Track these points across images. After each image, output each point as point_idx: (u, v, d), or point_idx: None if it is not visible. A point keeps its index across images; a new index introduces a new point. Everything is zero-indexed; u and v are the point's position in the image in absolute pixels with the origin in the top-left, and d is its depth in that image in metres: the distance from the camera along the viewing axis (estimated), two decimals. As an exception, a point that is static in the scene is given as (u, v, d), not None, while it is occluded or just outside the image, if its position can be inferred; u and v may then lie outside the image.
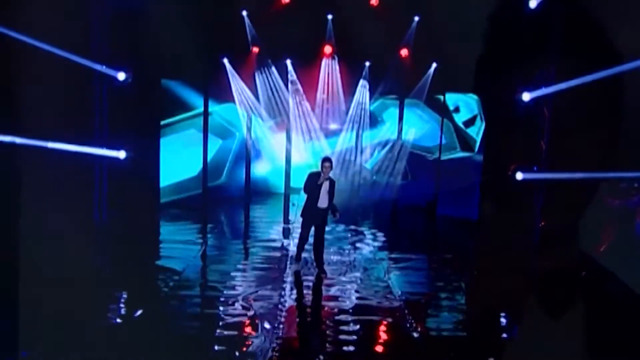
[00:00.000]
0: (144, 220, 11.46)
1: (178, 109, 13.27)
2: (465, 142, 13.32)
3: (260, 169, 15.13)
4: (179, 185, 13.46)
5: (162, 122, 12.90)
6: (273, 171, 15.19)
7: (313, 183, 7.97)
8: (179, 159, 13.30)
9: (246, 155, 14.45)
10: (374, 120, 14.88)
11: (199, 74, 13.08)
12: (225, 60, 13.63)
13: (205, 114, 13.66)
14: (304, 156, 14.63)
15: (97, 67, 9.83)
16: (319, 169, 8.06)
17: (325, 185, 7.98)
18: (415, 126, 14.26)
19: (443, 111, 13.50)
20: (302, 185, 8.18)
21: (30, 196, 8.70)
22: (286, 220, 12.15)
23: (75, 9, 9.58)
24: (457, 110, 13.46)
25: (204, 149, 13.68)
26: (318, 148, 14.58)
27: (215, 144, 14.26)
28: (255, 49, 13.63)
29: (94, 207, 10.32)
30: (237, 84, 13.68)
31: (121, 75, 10.01)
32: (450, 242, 11.47)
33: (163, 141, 12.87)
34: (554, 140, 10.05)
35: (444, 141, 13.62)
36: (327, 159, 8.12)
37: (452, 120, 13.56)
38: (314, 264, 8.51)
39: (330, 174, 8.05)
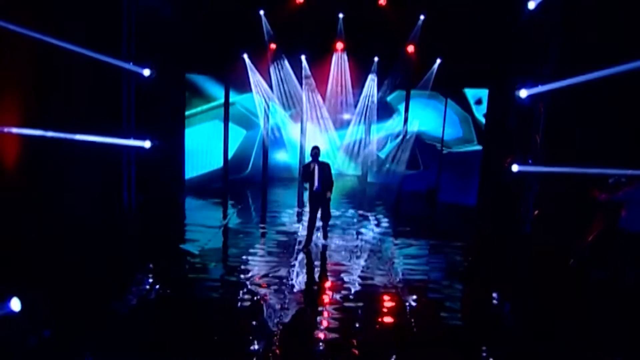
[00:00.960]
0: (170, 204, 11.72)
1: (196, 99, 13.40)
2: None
3: (281, 156, 15.21)
4: (205, 176, 13.76)
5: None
6: (293, 157, 15.31)
7: (307, 170, 8.67)
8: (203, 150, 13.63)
9: (263, 143, 14.54)
10: (390, 111, 14.63)
11: (221, 68, 13.17)
12: (245, 56, 13.65)
13: (226, 108, 13.72)
14: (319, 144, 14.69)
15: (125, 65, 9.98)
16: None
17: (316, 170, 8.55)
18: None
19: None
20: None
21: (65, 183, 9.13)
22: (300, 205, 12.33)
23: (107, 12, 9.76)
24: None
25: (224, 138, 13.80)
26: (331, 137, 14.63)
27: (239, 134, 14.37)
28: (273, 45, 13.62)
29: (122, 193, 10.59)
30: (255, 78, 13.73)
31: (146, 72, 10.15)
32: (451, 229, 11.38)
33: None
34: (548, 135, 9.95)
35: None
36: (314, 148, 8.75)
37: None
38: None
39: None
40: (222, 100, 13.77)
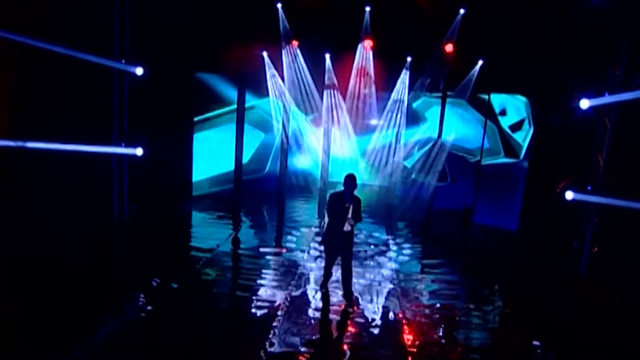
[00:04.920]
0: (170, 217, 10.17)
1: (214, 103, 11.75)
2: (510, 147, 10.96)
3: (301, 162, 13.46)
4: (217, 178, 12.06)
5: (201, 117, 11.53)
6: (314, 165, 13.53)
7: (337, 205, 6.34)
8: (218, 153, 11.96)
9: (282, 148, 12.80)
10: (416, 118, 12.84)
11: (235, 67, 11.42)
12: (265, 54, 11.91)
13: (241, 106, 12.07)
14: (342, 151, 12.94)
15: (115, 64, 8.47)
16: (342, 187, 6.44)
17: (350, 208, 6.30)
18: (458, 126, 12.04)
19: (487, 112, 11.15)
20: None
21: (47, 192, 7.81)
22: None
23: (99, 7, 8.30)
24: (503, 112, 11.08)
25: (238, 142, 12.17)
26: (352, 144, 12.76)
27: (258, 138, 12.78)
28: (295, 42, 11.81)
29: (114, 201, 9.15)
30: (273, 78, 11.98)
31: (139, 70, 8.60)
32: (486, 257, 9.28)
33: (202, 135, 11.55)
34: (613, 157, 7.71)
35: (487, 145, 11.29)
36: (349, 177, 6.41)
37: (497, 123, 11.20)
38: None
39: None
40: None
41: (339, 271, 6.72)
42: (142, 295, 6.34)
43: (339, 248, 6.51)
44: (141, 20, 8.89)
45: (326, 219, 6.62)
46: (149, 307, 6.07)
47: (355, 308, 6.48)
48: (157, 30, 9.22)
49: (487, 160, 11.32)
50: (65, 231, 7.81)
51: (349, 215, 6.27)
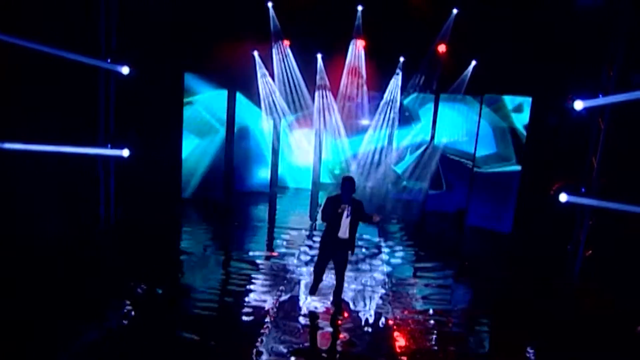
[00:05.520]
0: (158, 221, 9.92)
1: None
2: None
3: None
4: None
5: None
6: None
7: (334, 209, 6.00)
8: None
9: (272, 152, 12.52)
10: (408, 118, 12.17)
11: (224, 66, 11.19)
12: (256, 53, 11.72)
13: (232, 106, 11.80)
14: (329, 153, 12.72)
15: (101, 63, 8.26)
16: (339, 191, 6.13)
17: (348, 213, 6.00)
18: (454, 128, 11.37)
19: (483, 113, 10.72)
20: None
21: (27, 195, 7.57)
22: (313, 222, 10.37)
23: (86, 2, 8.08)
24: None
25: (228, 145, 11.88)
26: (342, 146, 12.57)
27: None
28: (287, 42, 11.63)
29: (100, 203, 8.91)
30: (263, 77, 11.77)
31: (125, 70, 8.40)
32: (480, 260, 9.13)
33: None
34: (608, 159, 7.59)
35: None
36: (347, 179, 6.08)
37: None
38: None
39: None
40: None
41: (329, 276, 6.55)
42: (126, 301, 6.14)
43: (332, 253, 6.25)
44: (129, 18, 8.70)
45: (319, 221, 6.40)
46: (133, 313, 5.89)
47: (344, 314, 6.28)
48: (145, 29, 9.07)
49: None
50: (48, 234, 7.60)
51: (344, 223, 5.97)
